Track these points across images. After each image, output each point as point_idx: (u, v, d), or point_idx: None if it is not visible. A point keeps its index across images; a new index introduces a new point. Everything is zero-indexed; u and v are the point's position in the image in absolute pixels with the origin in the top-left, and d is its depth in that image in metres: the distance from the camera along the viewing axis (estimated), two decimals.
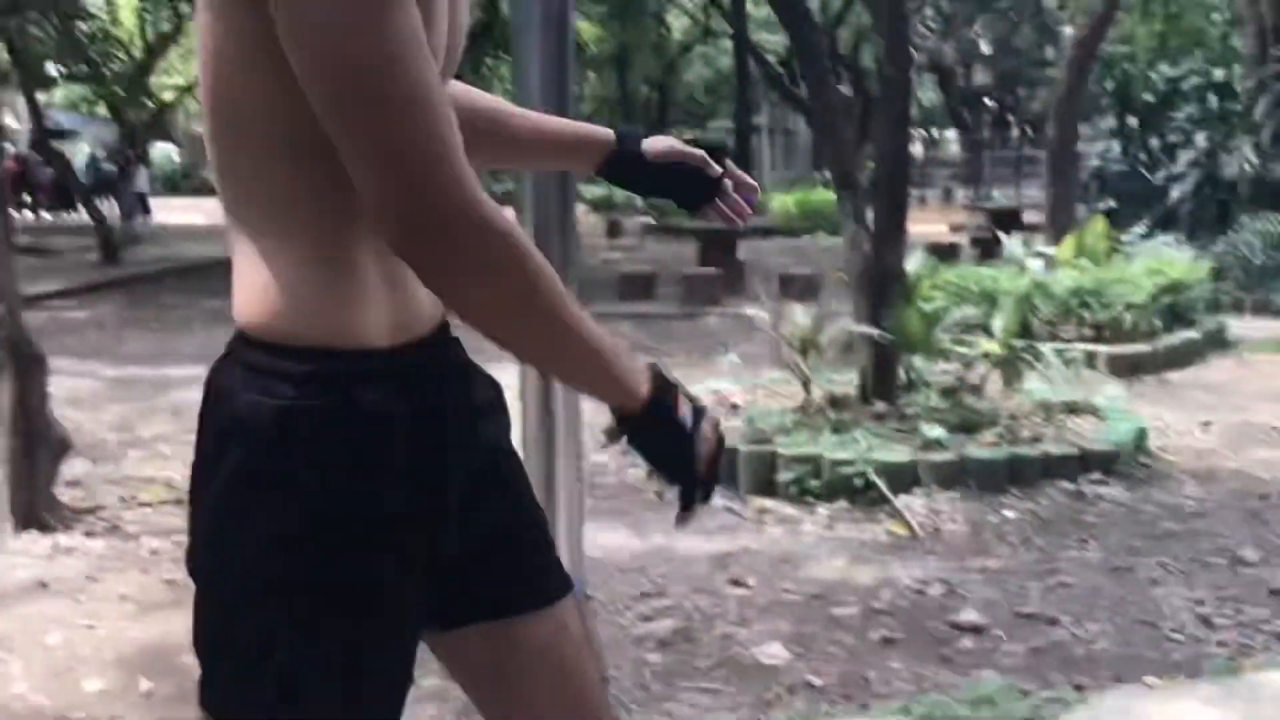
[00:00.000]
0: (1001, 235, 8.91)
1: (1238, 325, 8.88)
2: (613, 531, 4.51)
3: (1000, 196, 22.93)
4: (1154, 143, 11.32)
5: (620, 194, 21.51)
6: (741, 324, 9.87)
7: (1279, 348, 8.21)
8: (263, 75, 1.03)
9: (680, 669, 3.36)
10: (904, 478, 4.79)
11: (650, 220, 18.88)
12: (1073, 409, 5.59)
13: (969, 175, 27.06)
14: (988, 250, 12.91)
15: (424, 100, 0.97)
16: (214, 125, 1.08)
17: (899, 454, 4.88)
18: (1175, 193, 10.87)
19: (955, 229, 18.86)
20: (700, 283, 10.64)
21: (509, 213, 1.06)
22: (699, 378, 7.34)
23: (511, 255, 1.01)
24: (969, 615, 3.68)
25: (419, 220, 0.97)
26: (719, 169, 1.46)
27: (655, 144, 1.45)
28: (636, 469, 5.40)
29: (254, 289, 1.08)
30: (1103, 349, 7.37)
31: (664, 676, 3.31)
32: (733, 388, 6.23)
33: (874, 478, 4.72)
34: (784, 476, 4.85)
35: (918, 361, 5.61)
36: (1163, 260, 8.43)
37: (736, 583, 4.02)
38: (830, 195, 16.66)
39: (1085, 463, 4.99)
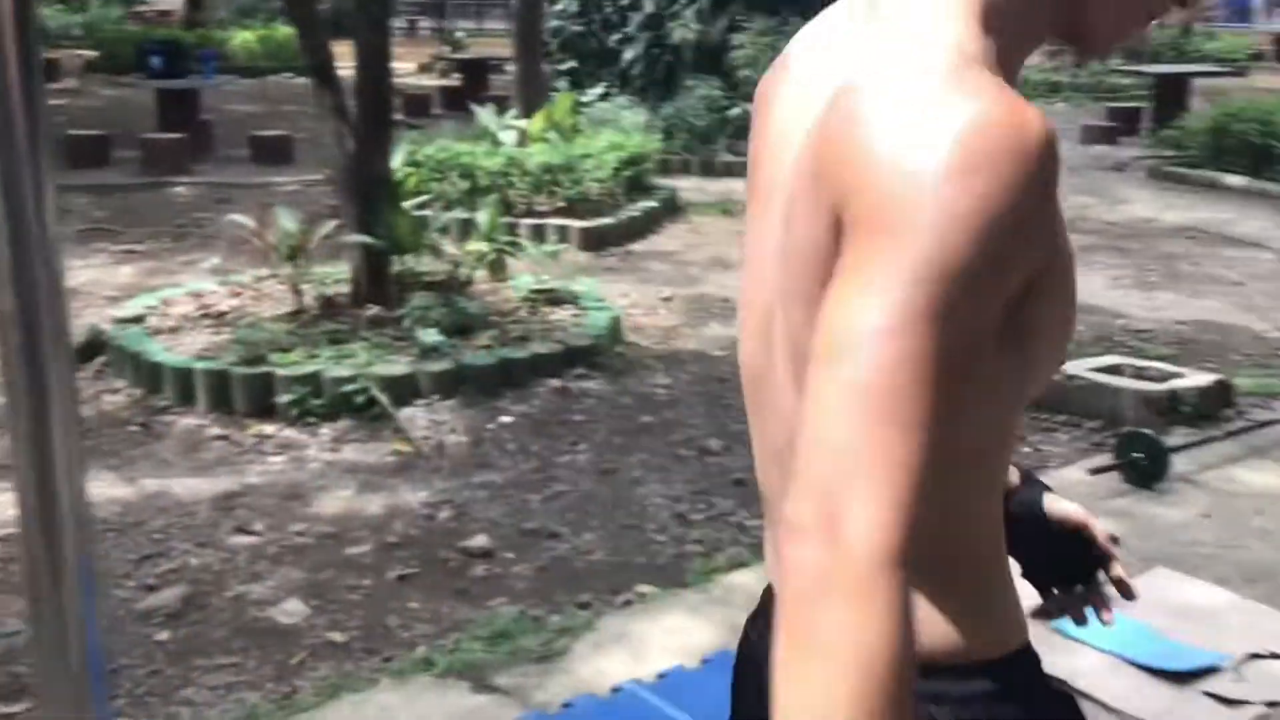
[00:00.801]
0: (475, 107, 9.00)
1: (686, 187, 9.69)
2: (96, 479, 4.20)
3: (463, 33, 23.01)
4: (608, 4, 11.83)
5: (52, 23, 19.06)
6: (214, 195, 9.32)
7: (722, 210, 9.08)
8: None
9: (195, 644, 3.26)
10: (405, 389, 4.86)
11: (92, 54, 16.96)
12: (555, 299, 5.90)
13: (431, 6, 26.89)
14: (459, 104, 13.02)
15: (922, 426, 0.82)
16: None
17: (398, 365, 4.93)
18: (628, 54, 11.50)
19: (424, 69, 18.79)
20: (162, 148, 9.82)
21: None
22: (175, 272, 6.91)
23: (878, 659, 0.81)
24: (479, 540, 3.86)
25: (820, 555, 0.82)
26: (1111, 552, 1.29)
27: (1058, 506, 1.29)
28: (115, 395, 5.05)
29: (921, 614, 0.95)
30: (575, 223, 7.78)
31: (177, 656, 3.20)
32: (215, 289, 5.92)
33: (376, 393, 4.74)
34: (283, 398, 4.74)
35: (410, 263, 5.62)
36: (623, 133, 8.95)
37: (243, 530, 3.92)
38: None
39: (570, 358, 5.32)
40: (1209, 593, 3.40)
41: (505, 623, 3.30)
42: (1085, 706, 2.82)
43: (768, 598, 1.15)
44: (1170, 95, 12.94)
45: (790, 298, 0.98)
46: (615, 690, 2.92)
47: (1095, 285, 7.10)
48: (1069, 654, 3.04)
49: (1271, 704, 2.85)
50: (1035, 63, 19.27)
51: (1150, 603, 3.31)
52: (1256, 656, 3.04)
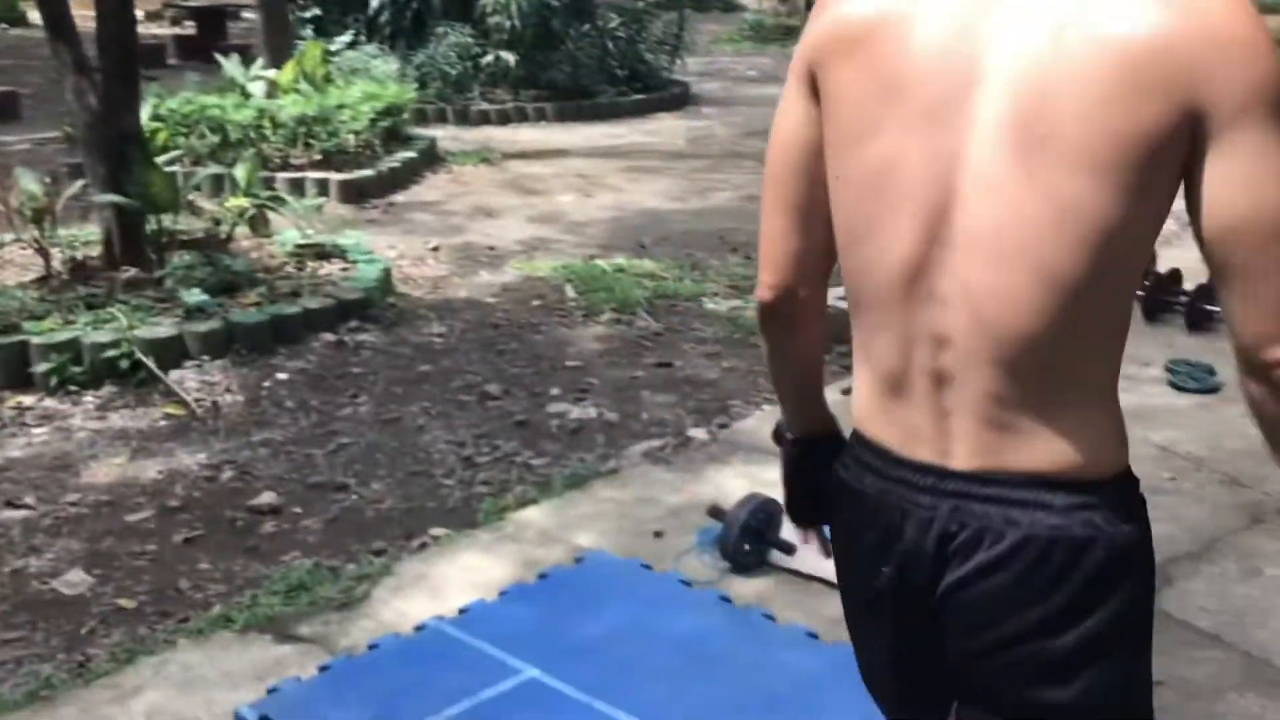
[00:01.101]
0: (220, 58, 8.66)
1: (443, 136, 9.64)
2: None
3: None
4: None
5: None
6: None
7: (480, 159, 9.10)
8: (1143, 241, 1.24)
9: None
10: (172, 351, 4.74)
11: None
12: (322, 254, 5.84)
13: None
14: (195, 53, 12.49)
15: None
16: (1066, 293, 1.21)
17: (163, 327, 4.80)
18: (375, 1, 11.27)
19: (153, 16, 17.81)
20: None
21: None
22: None
23: None
24: (265, 497, 3.86)
25: None
26: None
27: None
28: None
29: (1088, 441, 1.29)
30: (333, 176, 7.66)
31: None
32: None
33: (141, 357, 4.61)
34: (40, 367, 4.54)
35: (168, 223, 5.44)
36: (376, 82, 8.82)
37: (13, 504, 3.79)
38: None
39: (343, 312, 5.30)
40: None
41: (300, 575, 3.33)
42: (812, 587, 3.13)
43: (857, 439, 1.44)
44: None
45: (1074, 174, 1.18)
46: (419, 628, 3.03)
47: None
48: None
49: None
50: (769, 7, 19.97)
51: None
52: None
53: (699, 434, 4.33)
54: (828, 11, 1.32)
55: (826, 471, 1.49)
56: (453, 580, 3.29)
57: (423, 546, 3.55)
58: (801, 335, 1.45)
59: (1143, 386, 4.64)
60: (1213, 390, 4.54)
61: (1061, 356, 1.25)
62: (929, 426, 1.33)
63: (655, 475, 3.97)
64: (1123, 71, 1.15)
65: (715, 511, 3.43)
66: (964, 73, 1.21)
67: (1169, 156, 1.16)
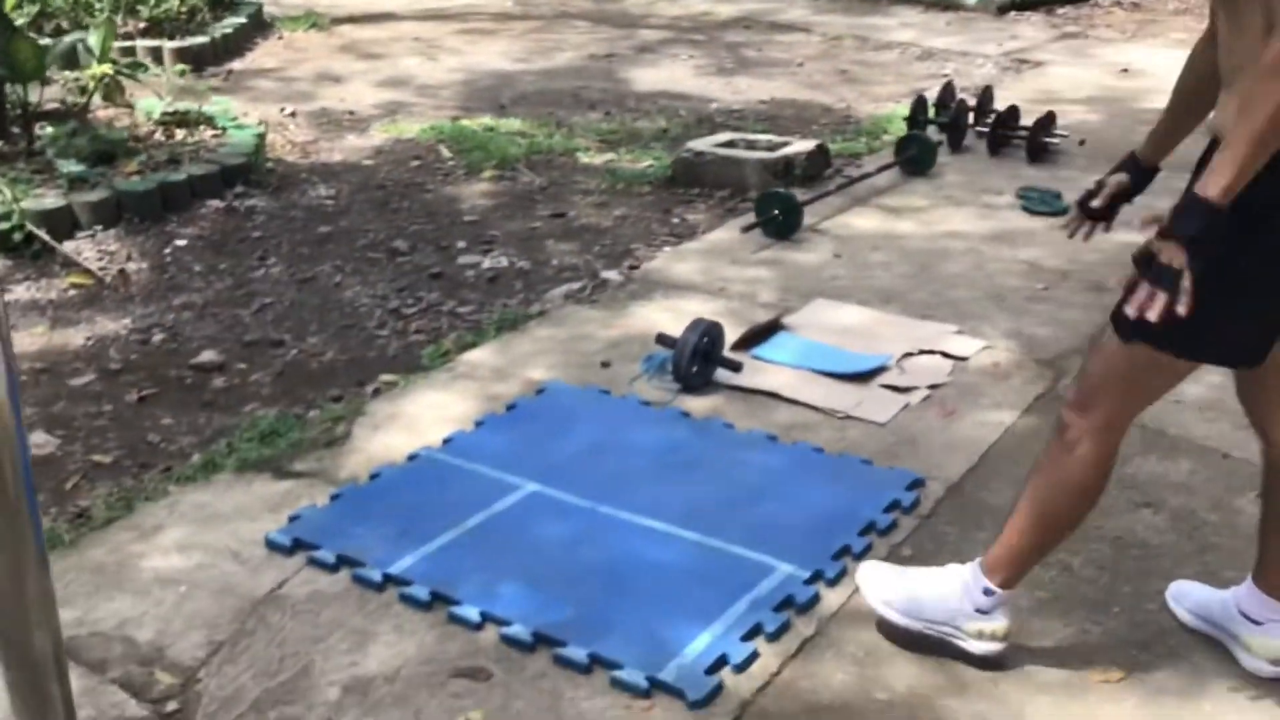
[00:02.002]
0: None
1: (265, 0, 9.30)
2: None
3: None
4: None
5: None
6: None
7: (310, 24, 8.85)
8: None
9: None
10: (62, 222, 4.63)
11: None
12: (186, 121, 5.70)
13: None
14: None
15: None
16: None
17: (49, 199, 4.67)
18: None
19: None
20: None
21: None
22: None
23: None
24: (206, 355, 3.90)
25: None
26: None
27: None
28: None
29: None
30: (167, 44, 7.36)
31: None
32: None
33: (34, 229, 4.49)
34: None
35: (33, 94, 5.21)
36: None
37: None
38: None
39: (226, 178, 5.23)
40: (860, 313, 4.14)
41: (269, 423, 3.42)
42: (796, 410, 3.45)
43: None
44: None
45: None
46: (411, 457, 3.20)
47: (681, 74, 7.76)
48: (768, 374, 3.67)
49: (932, 386, 3.62)
50: None
51: (819, 326, 4.01)
52: (909, 355, 3.81)
53: (612, 275, 4.54)
54: None
55: None
56: (425, 417, 3.45)
57: (377, 392, 3.68)
58: None
59: (1000, 212, 5.12)
60: (1062, 213, 5.04)
61: None
62: None
63: (583, 314, 4.18)
64: None
65: (663, 339, 3.69)
66: None
67: None
